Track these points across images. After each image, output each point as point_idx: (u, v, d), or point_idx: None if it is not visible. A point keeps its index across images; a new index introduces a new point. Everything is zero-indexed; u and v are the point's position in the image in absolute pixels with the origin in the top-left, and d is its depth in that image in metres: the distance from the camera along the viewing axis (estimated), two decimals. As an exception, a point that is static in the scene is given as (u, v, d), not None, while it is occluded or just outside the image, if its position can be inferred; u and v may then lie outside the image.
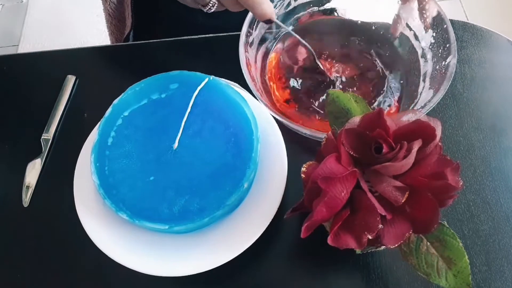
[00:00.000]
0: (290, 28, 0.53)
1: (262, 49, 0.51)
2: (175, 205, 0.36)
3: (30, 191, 0.47)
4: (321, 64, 0.49)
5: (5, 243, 0.45)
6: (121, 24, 0.67)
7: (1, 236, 0.45)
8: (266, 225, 0.37)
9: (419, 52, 0.49)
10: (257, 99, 0.43)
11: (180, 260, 0.37)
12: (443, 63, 0.45)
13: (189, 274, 0.36)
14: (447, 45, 0.45)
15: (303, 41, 0.48)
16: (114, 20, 0.67)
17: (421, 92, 0.46)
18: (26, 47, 1.54)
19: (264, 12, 0.40)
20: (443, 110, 0.49)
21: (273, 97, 0.49)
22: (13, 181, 0.48)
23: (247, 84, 0.43)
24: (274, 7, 0.50)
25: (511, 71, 0.52)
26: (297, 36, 0.48)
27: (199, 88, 0.41)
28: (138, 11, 0.63)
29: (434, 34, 0.47)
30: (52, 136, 0.50)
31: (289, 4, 0.52)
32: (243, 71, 0.44)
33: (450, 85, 0.42)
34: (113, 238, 0.38)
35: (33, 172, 0.48)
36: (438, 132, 0.31)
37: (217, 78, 0.42)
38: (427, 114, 0.33)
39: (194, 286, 0.41)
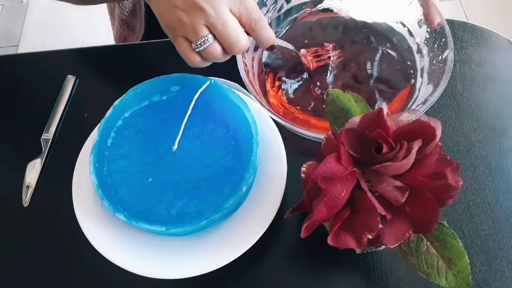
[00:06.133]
0: (288, 27, 0.53)
1: (258, 54, 0.51)
2: (173, 207, 0.36)
3: (30, 191, 0.47)
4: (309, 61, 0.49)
5: (5, 243, 0.45)
6: (132, 33, 0.67)
7: (1, 236, 0.45)
8: (265, 228, 0.37)
9: (414, 47, 0.49)
10: (256, 102, 0.43)
11: (177, 262, 0.37)
12: (440, 57, 0.45)
13: (186, 276, 0.36)
14: (443, 39, 0.45)
15: (293, 48, 0.48)
16: (125, 30, 0.67)
17: (420, 87, 0.46)
18: (26, 47, 1.54)
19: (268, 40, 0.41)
20: (443, 110, 0.49)
21: (271, 99, 0.49)
22: (13, 181, 0.48)
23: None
24: (268, 11, 0.51)
25: (511, 71, 0.52)
26: (293, 48, 0.48)
27: (200, 91, 0.41)
28: (149, 23, 0.64)
29: (428, 29, 0.47)
30: (52, 136, 0.50)
31: (281, 7, 0.52)
32: (242, 75, 0.44)
33: (450, 85, 0.42)
34: (110, 239, 0.38)
35: (33, 172, 0.48)
36: (438, 132, 0.31)
37: (218, 80, 0.42)
38: (427, 114, 0.33)
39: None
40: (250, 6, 0.37)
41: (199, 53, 0.38)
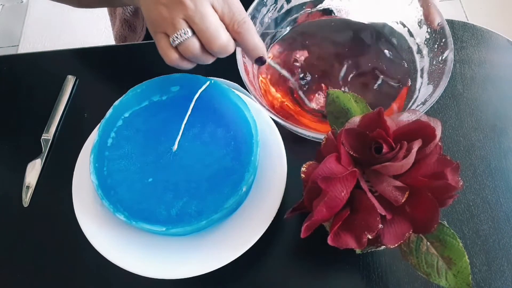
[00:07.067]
0: (288, 29, 0.53)
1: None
2: (173, 207, 0.36)
3: (30, 191, 0.47)
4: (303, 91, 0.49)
5: (5, 243, 0.45)
6: (133, 34, 0.67)
7: (1, 236, 0.45)
8: (265, 228, 0.37)
9: (414, 48, 0.49)
10: (257, 102, 0.43)
11: (177, 262, 0.37)
12: (440, 58, 0.45)
13: (186, 277, 0.36)
14: (443, 40, 0.45)
15: (285, 73, 0.48)
16: (126, 30, 0.67)
17: (420, 88, 0.46)
18: (26, 47, 1.54)
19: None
20: (443, 110, 0.49)
21: (271, 99, 0.49)
22: (13, 181, 0.48)
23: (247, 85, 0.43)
24: (268, 10, 0.50)
25: (511, 71, 0.52)
26: (283, 71, 0.48)
27: (200, 91, 0.41)
28: None
29: (428, 30, 0.47)
30: (52, 136, 0.50)
31: (282, 7, 0.52)
32: (242, 75, 0.44)
33: (450, 85, 0.42)
34: (111, 239, 0.38)
35: (33, 172, 0.48)
36: (438, 132, 0.31)
37: (218, 80, 0.42)
38: (427, 114, 0.33)
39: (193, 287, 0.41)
40: (234, 6, 0.36)
41: (177, 49, 0.36)
